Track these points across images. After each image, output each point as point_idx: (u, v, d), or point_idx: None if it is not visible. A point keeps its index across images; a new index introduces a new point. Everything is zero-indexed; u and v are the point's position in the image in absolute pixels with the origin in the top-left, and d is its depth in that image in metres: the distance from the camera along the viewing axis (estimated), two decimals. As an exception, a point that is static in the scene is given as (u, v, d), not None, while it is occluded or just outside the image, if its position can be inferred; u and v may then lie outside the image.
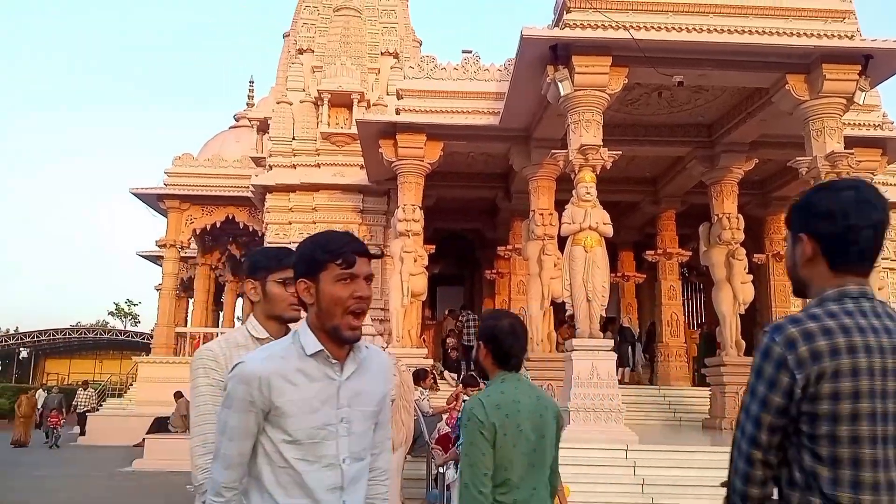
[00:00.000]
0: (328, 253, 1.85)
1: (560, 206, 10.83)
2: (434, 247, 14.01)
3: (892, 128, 13.85)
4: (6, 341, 47.82)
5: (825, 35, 9.76)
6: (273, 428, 1.83)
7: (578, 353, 9.04)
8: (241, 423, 1.83)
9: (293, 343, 1.89)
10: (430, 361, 12.76)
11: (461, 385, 9.35)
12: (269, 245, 15.63)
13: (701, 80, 10.24)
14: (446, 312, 17.45)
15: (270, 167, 16.29)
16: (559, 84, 9.45)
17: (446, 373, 14.08)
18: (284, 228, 15.79)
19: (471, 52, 14.00)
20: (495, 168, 14.69)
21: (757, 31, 9.78)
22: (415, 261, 12.28)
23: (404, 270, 12.22)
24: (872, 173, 12.79)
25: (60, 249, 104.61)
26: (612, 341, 9.33)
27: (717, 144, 12.49)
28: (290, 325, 2.30)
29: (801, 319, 1.57)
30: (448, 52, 34.88)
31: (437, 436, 8.10)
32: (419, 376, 8.72)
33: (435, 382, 10.59)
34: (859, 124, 12.98)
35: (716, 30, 9.66)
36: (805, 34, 9.74)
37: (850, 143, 10.86)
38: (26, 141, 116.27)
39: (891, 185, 15.94)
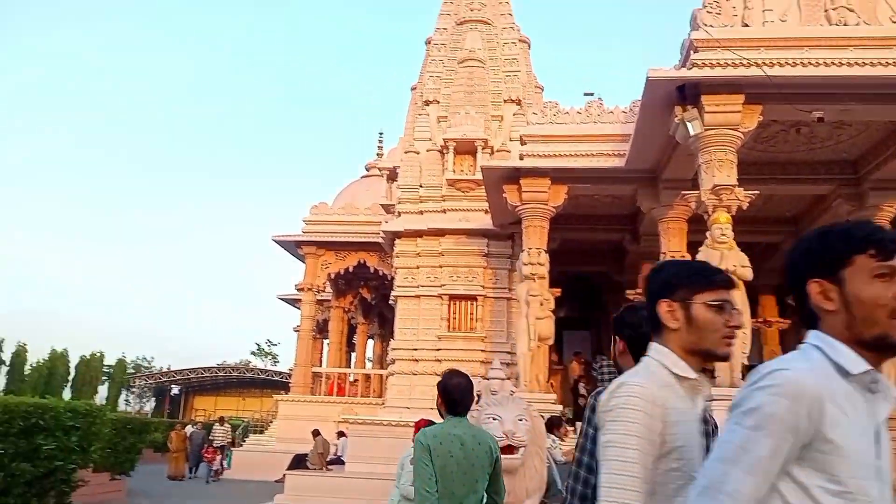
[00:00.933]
0: (861, 242, 1.49)
1: (692, 247, 10.54)
2: (560, 290, 13.94)
3: None
4: (160, 379, 51.84)
5: None
6: (808, 469, 1.38)
7: (718, 404, 8.63)
8: (773, 452, 1.36)
9: (821, 357, 1.47)
10: (560, 407, 12.59)
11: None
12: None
13: (843, 115, 9.72)
14: (573, 356, 17.17)
15: (399, 214, 16.91)
16: (689, 124, 9.28)
17: (578, 423, 13.80)
18: (412, 272, 16.26)
19: (592, 94, 14.05)
20: (621, 210, 14.49)
21: (903, 62, 9.22)
22: (541, 304, 12.27)
23: (530, 314, 12.23)
24: None
25: (210, 292, 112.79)
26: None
27: (865, 181, 11.71)
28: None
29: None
30: (569, 96, 35.03)
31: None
32: (553, 423, 8.64)
33: (567, 430, 10.44)
34: None
35: (856, 63, 9.19)
36: (962, 61, 9.06)
37: None
38: (181, 190, 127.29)
39: None
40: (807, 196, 13.27)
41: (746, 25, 9.83)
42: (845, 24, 9.71)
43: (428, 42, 18.69)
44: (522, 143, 13.65)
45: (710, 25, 9.74)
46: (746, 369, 14.63)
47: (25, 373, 48.66)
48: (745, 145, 9.90)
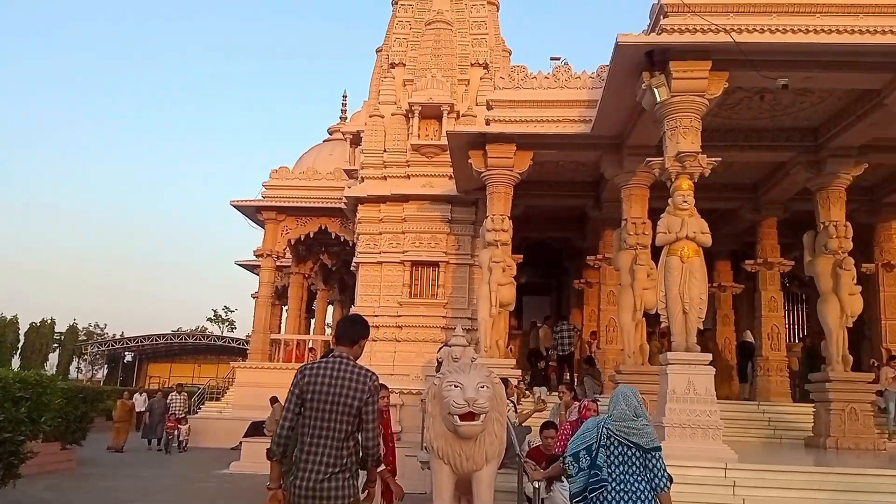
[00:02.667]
0: None
1: (654, 214, 10.58)
2: (522, 256, 13.95)
3: None
4: (112, 346, 50.90)
5: (946, 30, 9.14)
6: None
7: (674, 367, 8.76)
8: None
9: None
10: (518, 372, 12.67)
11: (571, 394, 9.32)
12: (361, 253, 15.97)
13: (807, 82, 9.77)
14: (541, 321, 17.31)
15: (362, 179, 16.65)
16: (655, 90, 9.23)
17: (536, 388, 13.89)
18: (375, 239, 16.10)
19: (559, 58, 13.89)
20: (585, 176, 14.50)
21: (868, 31, 9.28)
22: (503, 271, 12.25)
23: (492, 280, 12.21)
24: None
25: (165, 257, 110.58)
26: (710, 355, 8.98)
27: (824, 149, 11.86)
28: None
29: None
30: (538, 60, 34.77)
31: (527, 449, 8.03)
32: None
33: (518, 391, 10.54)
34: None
35: (823, 30, 9.22)
36: (922, 31, 9.15)
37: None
38: (131, 148, 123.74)
39: None
40: (767, 163, 13.44)
41: (716, -10, 9.74)
42: (811, -9, 9.70)
43: (395, 3, 18.26)
44: (489, 108, 13.48)
45: (679, -10, 9.64)
46: (701, 333, 14.98)
47: (-28, 340, 47.35)
48: (709, 112, 9.90)
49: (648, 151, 11.03)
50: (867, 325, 15.13)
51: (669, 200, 9.41)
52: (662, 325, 10.32)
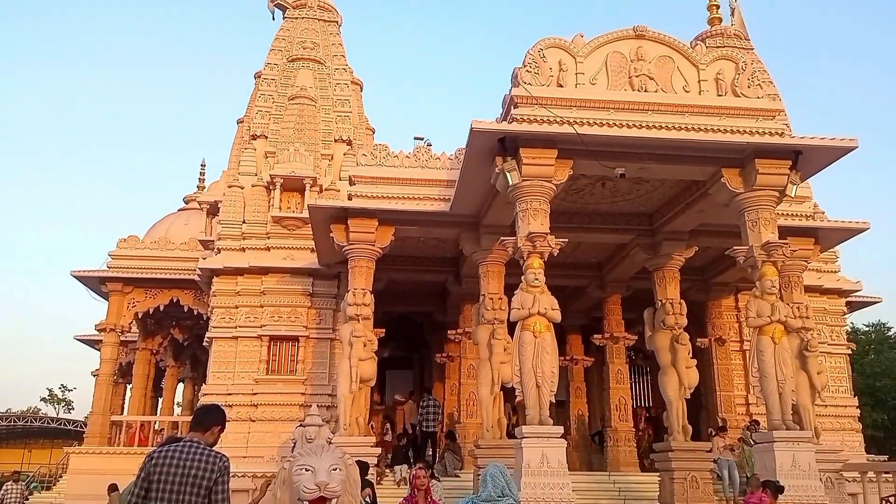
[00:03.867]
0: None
1: (510, 290, 10.99)
2: (384, 330, 13.92)
3: (823, 218, 14.66)
4: (-71, 428, 44.84)
5: (757, 132, 10.41)
6: None
7: (529, 441, 8.98)
8: None
9: None
10: (378, 450, 12.45)
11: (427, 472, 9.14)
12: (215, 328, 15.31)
13: (641, 172, 10.71)
14: (405, 397, 17.16)
15: (219, 250, 16.13)
16: (507, 174, 9.77)
17: (396, 467, 13.61)
18: (231, 312, 15.51)
19: (422, 138, 14.43)
20: (446, 252, 14.87)
21: (693, 128, 10.37)
22: (364, 345, 12.15)
23: (353, 355, 12.05)
24: (806, 261, 13.43)
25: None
26: (562, 428, 9.30)
27: (659, 232, 12.95)
28: None
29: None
30: (401, 138, 35.78)
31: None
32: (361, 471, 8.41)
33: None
34: (792, 215, 13.73)
35: (654, 126, 10.21)
36: (738, 131, 10.37)
37: (784, 232, 11.42)
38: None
39: (824, 272, 16.70)
40: (610, 244, 14.42)
41: (561, 86, 10.59)
42: (646, 91, 10.79)
43: (258, 76, 18.28)
44: (352, 183, 13.64)
45: (529, 83, 10.39)
46: (558, 406, 15.42)
47: None
48: (557, 196, 10.59)
49: (504, 230, 11.56)
50: (704, 396, 16.26)
51: (522, 278, 9.85)
52: (518, 399, 10.58)
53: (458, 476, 13.36)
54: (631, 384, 17.58)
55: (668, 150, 10.24)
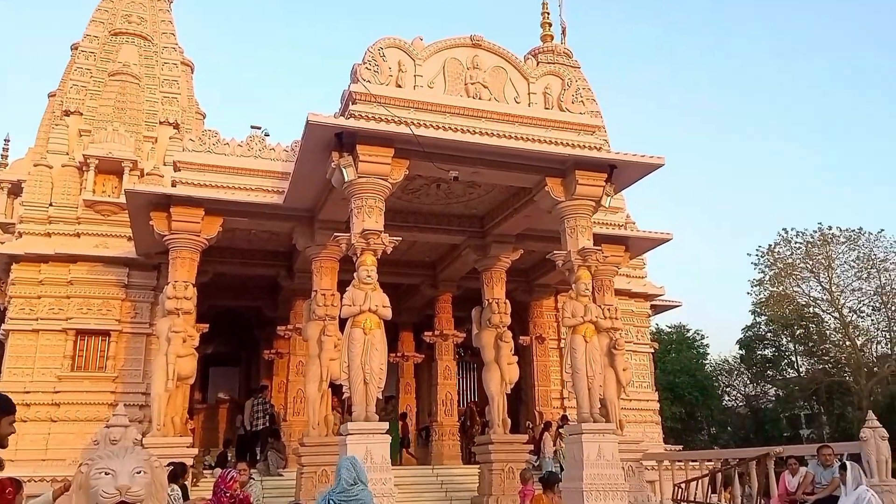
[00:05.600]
0: None
1: (343, 286, 10.90)
2: (208, 326, 13.29)
3: (633, 228, 15.95)
4: None
5: (578, 146, 11.13)
6: None
7: (353, 437, 8.97)
8: None
9: None
10: (196, 451, 11.88)
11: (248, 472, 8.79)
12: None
13: (474, 176, 11.09)
14: (229, 396, 16.47)
15: (20, 234, 14.58)
16: (344, 170, 9.70)
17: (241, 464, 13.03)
18: (31, 303, 14.09)
19: (260, 128, 13.95)
20: (278, 246, 14.49)
21: (522, 138, 10.88)
22: (184, 341, 11.52)
23: (171, 351, 11.38)
24: (617, 266, 14.57)
25: None
26: (386, 424, 9.39)
27: (489, 235, 13.47)
28: None
29: None
30: (236, 127, 34.32)
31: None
32: (176, 474, 7.94)
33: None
34: (607, 223, 14.80)
35: (487, 133, 10.60)
36: (562, 143, 11.03)
37: (599, 240, 12.30)
38: None
39: (633, 277, 18.20)
40: (443, 244, 14.79)
41: (400, 86, 10.70)
42: (480, 98, 11.17)
43: (74, 48, 16.75)
44: (176, 169, 12.88)
45: (368, 81, 10.40)
46: (385, 402, 15.53)
47: None
48: (393, 195, 10.68)
49: (339, 226, 11.46)
50: (524, 391, 17.13)
51: (355, 274, 9.81)
52: (345, 396, 10.53)
53: (282, 475, 13.07)
54: (458, 380, 18.16)
55: (499, 156, 10.67)
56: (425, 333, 16.42)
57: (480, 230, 13.65)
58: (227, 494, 6.03)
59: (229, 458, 14.32)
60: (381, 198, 10.04)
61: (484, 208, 13.28)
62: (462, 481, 13.65)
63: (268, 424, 14.62)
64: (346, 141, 9.77)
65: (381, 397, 9.74)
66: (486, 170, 10.79)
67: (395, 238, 9.94)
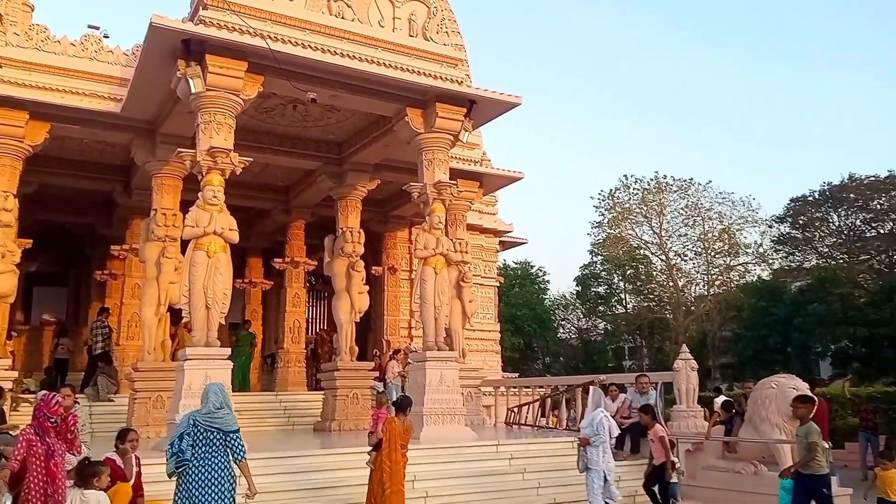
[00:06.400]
0: None
1: (186, 206, 10.33)
2: (31, 241, 12.17)
3: (488, 165, 16.25)
4: None
5: (440, 77, 11.07)
6: None
7: (192, 363, 8.66)
8: None
9: None
10: (15, 374, 11.04)
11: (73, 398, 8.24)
12: None
13: (333, 100, 10.74)
14: (54, 317, 15.27)
15: None
16: (190, 81, 9.03)
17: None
18: None
19: (98, 28, 12.62)
20: (114, 159, 13.42)
21: (384, 64, 10.66)
22: (3, 257, 10.51)
23: (-13, 268, 10.37)
24: (470, 202, 14.88)
25: None
26: (228, 350, 9.15)
27: (346, 162, 13.22)
28: None
29: None
30: (72, 26, 30.65)
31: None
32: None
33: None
34: (464, 159, 14.98)
35: (348, 55, 10.27)
36: (424, 74, 10.92)
37: (455, 174, 12.45)
38: None
39: (484, 213, 18.69)
40: (298, 169, 14.35)
41: (260, -5, 10.02)
42: (343, 18, 10.74)
43: None
44: (-3, 64, 11.42)
45: (222, -15, 9.64)
46: (231, 327, 15.15)
47: None
48: (245, 112, 10.15)
49: (183, 142, 10.75)
50: (373, 319, 17.34)
51: (200, 194, 9.29)
52: (184, 321, 10.12)
53: (112, 400, 12.48)
54: (308, 308, 18.03)
55: (360, 81, 10.38)
56: (275, 260, 16.05)
57: (338, 156, 13.36)
58: (52, 420, 5.63)
59: (58, 384, 13.43)
60: (232, 114, 9.50)
61: (342, 134, 12.98)
62: (306, 407, 13.74)
63: (106, 349, 13.84)
64: (194, 49, 9.06)
65: (223, 323, 9.42)
66: (345, 94, 10.48)
67: (245, 158, 9.48)
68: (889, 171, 34.99)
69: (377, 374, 13.81)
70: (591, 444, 7.60)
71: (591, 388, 8.97)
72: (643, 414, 8.69)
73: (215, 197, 9.17)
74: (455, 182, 11.36)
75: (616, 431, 8.12)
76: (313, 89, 10.02)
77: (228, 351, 9.05)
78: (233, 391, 8.88)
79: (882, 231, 35.81)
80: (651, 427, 8.40)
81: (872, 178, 36.29)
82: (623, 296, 42.87)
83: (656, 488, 8.24)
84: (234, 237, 9.32)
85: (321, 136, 13.06)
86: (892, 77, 69.15)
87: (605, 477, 7.55)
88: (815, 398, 7.65)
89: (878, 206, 35.55)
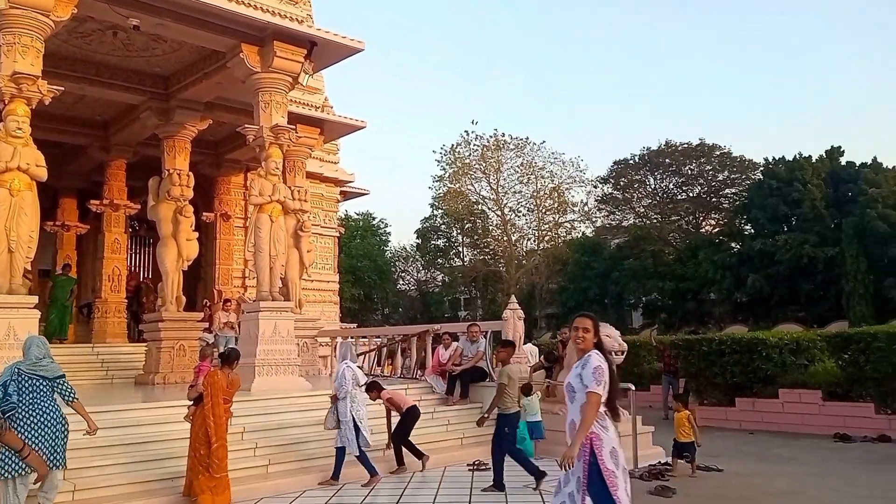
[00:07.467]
0: None
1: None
2: None
3: (331, 112, 15.84)
4: None
5: (279, 14, 10.49)
6: None
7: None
8: None
9: None
10: None
11: None
12: None
13: (159, 29, 9.91)
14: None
15: None
16: (-11, -7, 7.91)
17: None
18: None
19: None
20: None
21: (218, -6, 9.92)
22: None
23: None
24: (310, 149, 14.48)
25: None
26: (35, 298, 8.32)
27: (173, 99, 12.31)
28: None
29: None
30: None
31: None
32: None
33: None
34: (304, 104, 14.46)
35: (176, -20, 9.44)
36: (261, 9, 10.29)
37: (295, 119, 12.04)
38: None
39: (326, 161, 18.29)
40: (119, 103, 13.16)
41: None
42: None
43: None
44: None
45: None
46: (42, 273, 13.83)
47: None
48: (57, 36, 9.12)
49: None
50: (203, 268, 16.53)
51: (1, 125, 8.26)
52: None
53: None
54: (130, 255, 16.83)
55: (189, 10, 9.61)
56: (92, 202, 14.73)
57: (164, 92, 12.40)
58: None
59: None
60: (40, 36, 8.48)
61: (170, 67, 12.03)
62: (127, 360, 12.94)
63: None
64: (-9, -44, 7.93)
65: (27, 268, 8.54)
66: (173, 24, 9.68)
67: (56, 87, 8.54)
68: (700, 139, 38.54)
69: (206, 325, 13.25)
70: (339, 398, 7.54)
71: (338, 340, 8.79)
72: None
73: (19, 129, 8.21)
74: (294, 127, 10.99)
75: (362, 379, 8.04)
76: (136, 15, 9.19)
77: (35, 299, 8.24)
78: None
79: (691, 195, 39.54)
80: (378, 395, 8.20)
81: (685, 145, 39.70)
82: (461, 249, 44.17)
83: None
84: (43, 174, 8.42)
85: (146, 68, 12.03)
86: (720, 53, 75.55)
87: (355, 426, 7.42)
88: (514, 343, 9.24)
89: (689, 172, 39.13)
